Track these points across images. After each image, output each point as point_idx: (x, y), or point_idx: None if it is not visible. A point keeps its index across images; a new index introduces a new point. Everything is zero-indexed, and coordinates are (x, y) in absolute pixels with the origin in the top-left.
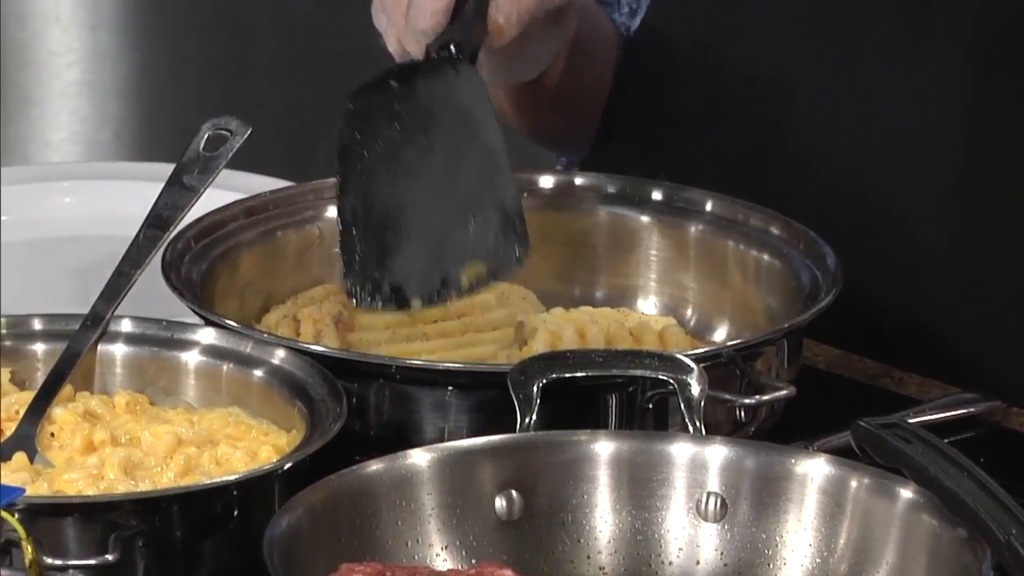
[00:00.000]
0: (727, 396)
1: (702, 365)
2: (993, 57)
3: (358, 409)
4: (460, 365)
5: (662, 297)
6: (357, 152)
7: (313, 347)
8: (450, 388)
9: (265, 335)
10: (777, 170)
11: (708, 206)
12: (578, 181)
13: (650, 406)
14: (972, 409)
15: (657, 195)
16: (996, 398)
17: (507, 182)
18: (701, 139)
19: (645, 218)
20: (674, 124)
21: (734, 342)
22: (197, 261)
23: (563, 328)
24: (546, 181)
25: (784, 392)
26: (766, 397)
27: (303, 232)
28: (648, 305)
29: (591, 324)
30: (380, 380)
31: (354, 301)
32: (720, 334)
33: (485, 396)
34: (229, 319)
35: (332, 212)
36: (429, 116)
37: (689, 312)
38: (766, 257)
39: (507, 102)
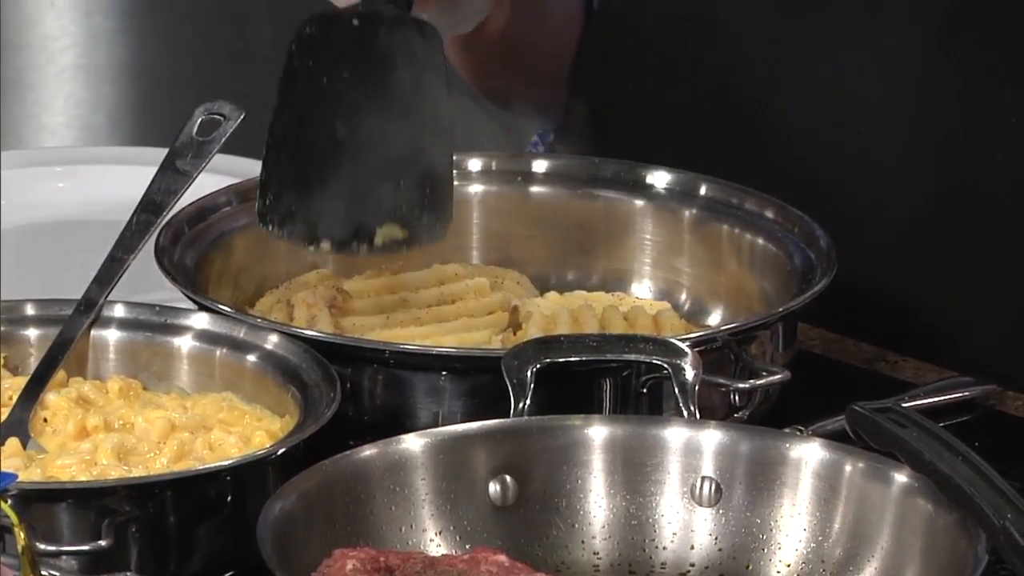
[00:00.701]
0: (721, 380)
1: (696, 349)
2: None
3: (352, 394)
4: (453, 350)
5: (656, 281)
6: (303, 78)
7: (306, 332)
8: (444, 373)
9: (259, 320)
10: (752, 147)
11: (703, 190)
12: (573, 165)
13: (644, 391)
14: (967, 393)
15: (651, 179)
16: (991, 382)
17: (444, 153)
18: (661, 109)
19: (639, 202)
20: (635, 94)
21: (728, 326)
22: (190, 246)
23: (558, 312)
24: (539, 165)
25: (779, 376)
26: (760, 382)
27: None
28: (643, 289)
29: (585, 309)
30: (374, 365)
31: (263, 226)
32: (715, 318)
33: (479, 381)
34: (223, 304)
35: None
36: (381, 66)
37: (684, 296)
38: (760, 241)
39: (453, 53)
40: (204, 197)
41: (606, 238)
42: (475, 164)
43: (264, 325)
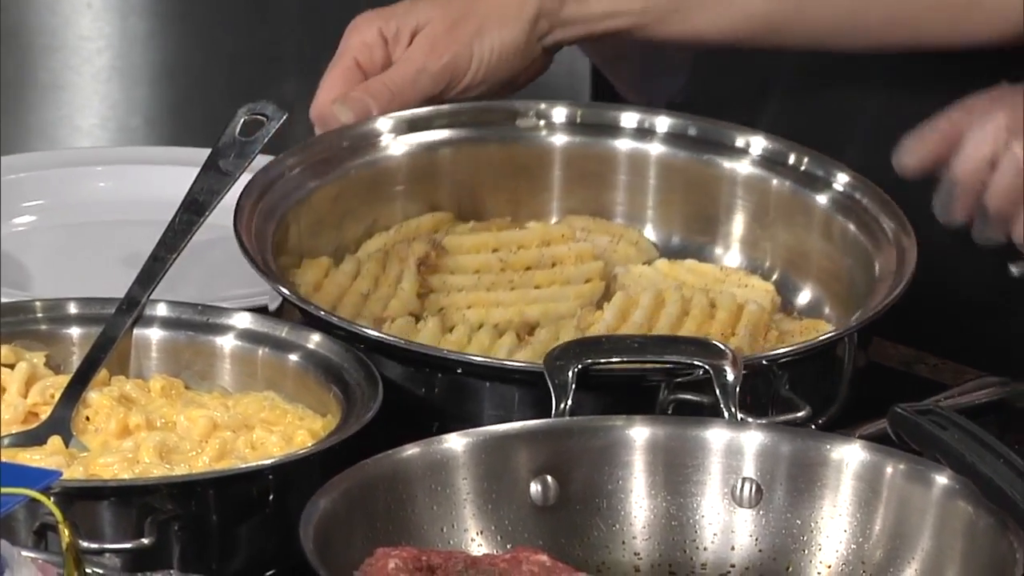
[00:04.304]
0: (739, 414)
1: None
2: None
3: (394, 392)
4: (487, 360)
5: (775, 260)
6: None
7: (353, 329)
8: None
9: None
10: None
11: (837, 176)
12: (707, 129)
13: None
14: (998, 393)
15: (793, 159)
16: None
17: None
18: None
19: (776, 181)
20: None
21: (780, 350)
22: (293, 190)
23: (642, 294)
24: (664, 124)
25: (800, 413)
26: (779, 419)
27: (417, 156)
28: (761, 266)
29: (674, 290)
30: (415, 366)
31: None
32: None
33: (514, 390)
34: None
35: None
36: None
37: (804, 294)
38: (852, 227)
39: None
40: (316, 138)
41: (727, 206)
42: (629, 119)
43: (302, 326)
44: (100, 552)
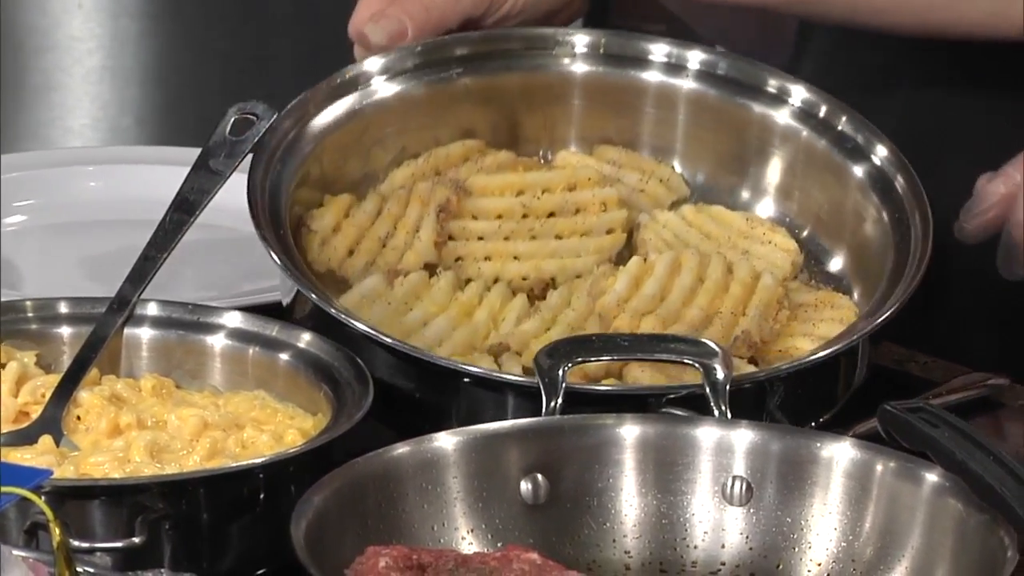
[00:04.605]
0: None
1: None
2: None
3: (385, 391)
4: (480, 371)
5: (806, 218)
6: None
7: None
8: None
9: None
10: None
11: (877, 149)
12: (745, 70)
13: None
14: (988, 390)
15: (838, 122)
16: (1005, 376)
17: None
18: None
19: (822, 142)
20: None
21: (770, 369)
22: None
23: (658, 260)
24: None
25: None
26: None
27: (448, 83)
28: (770, 210)
29: (691, 255)
30: (405, 362)
31: None
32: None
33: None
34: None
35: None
36: None
37: (830, 259)
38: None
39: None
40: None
41: (759, 152)
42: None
43: (294, 325)
44: (91, 551)
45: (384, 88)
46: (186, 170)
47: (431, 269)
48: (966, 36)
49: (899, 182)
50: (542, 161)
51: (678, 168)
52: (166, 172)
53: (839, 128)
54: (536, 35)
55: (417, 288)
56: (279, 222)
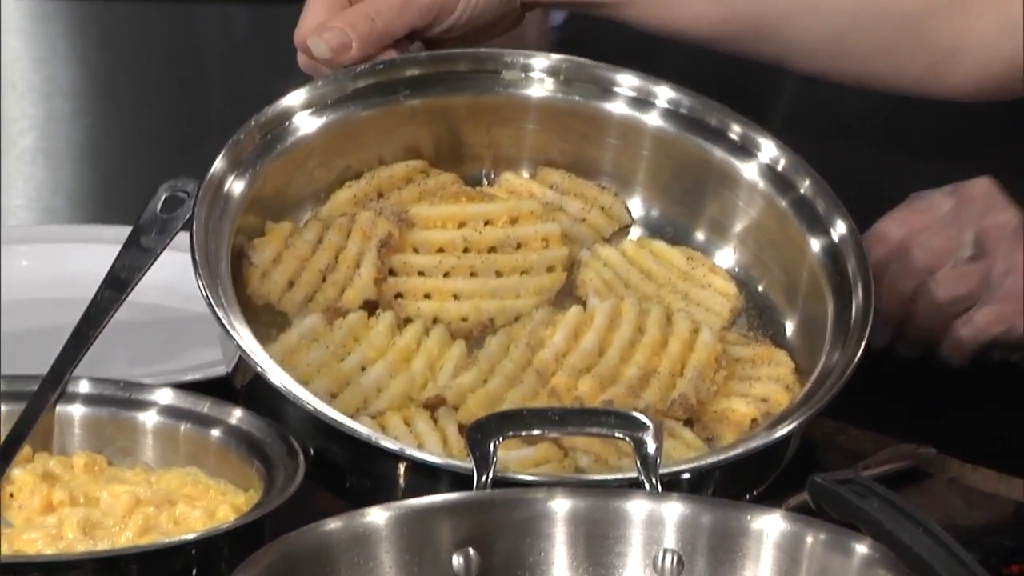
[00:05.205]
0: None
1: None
2: None
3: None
4: (397, 449)
5: (745, 255)
6: None
7: (287, 386)
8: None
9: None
10: None
11: (837, 224)
12: (699, 108)
13: None
14: (911, 460)
15: (765, 158)
16: (929, 446)
17: None
18: None
19: (777, 201)
20: None
21: (712, 459)
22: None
23: (597, 311)
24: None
25: None
26: None
27: (395, 104)
28: (726, 259)
29: (630, 306)
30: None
31: None
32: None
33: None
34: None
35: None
36: None
37: (762, 287)
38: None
39: None
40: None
41: (714, 192)
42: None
43: (226, 402)
44: None
45: (310, 121)
46: (118, 248)
47: (371, 306)
48: (904, 90)
49: (852, 261)
50: (485, 181)
51: (636, 200)
52: (98, 250)
53: (802, 192)
54: (485, 55)
55: (356, 329)
56: (216, 265)
